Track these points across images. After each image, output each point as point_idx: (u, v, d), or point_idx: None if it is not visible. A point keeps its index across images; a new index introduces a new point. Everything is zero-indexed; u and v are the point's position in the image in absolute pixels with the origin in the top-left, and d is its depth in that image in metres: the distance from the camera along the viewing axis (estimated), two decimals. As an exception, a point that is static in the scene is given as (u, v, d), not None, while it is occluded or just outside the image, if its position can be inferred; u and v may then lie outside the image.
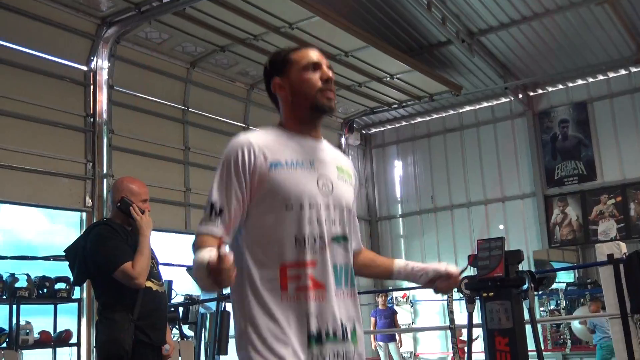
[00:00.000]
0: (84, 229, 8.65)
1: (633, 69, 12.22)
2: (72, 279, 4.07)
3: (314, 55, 2.18)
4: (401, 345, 12.06)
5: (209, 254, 1.76)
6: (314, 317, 1.97)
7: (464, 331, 8.20)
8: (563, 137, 12.85)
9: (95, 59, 9.12)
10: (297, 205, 2.01)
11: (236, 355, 2.06)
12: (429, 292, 9.94)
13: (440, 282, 2.32)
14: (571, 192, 12.69)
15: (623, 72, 12.34)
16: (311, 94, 2.12)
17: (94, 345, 4.06)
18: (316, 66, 2.15)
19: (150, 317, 3.81)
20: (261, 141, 2.07)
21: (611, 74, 12.47)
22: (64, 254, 3.99)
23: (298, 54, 2.17)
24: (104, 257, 3.63)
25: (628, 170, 12.18)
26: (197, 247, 1.93)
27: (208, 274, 1.74)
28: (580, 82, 12.79)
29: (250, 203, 2.03)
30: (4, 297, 7.31)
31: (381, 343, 11.44)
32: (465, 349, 7.08)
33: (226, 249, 1.93)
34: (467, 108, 13.96)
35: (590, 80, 12.67)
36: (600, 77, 12.56)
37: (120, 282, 3.60)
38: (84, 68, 9.11)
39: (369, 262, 2.41)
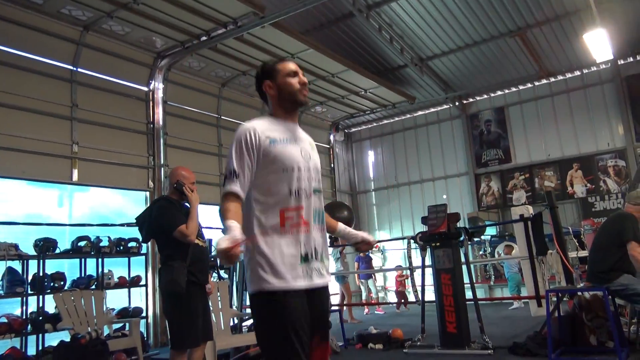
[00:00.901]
0: (149, 203, 8.69)
1: (537, 83, 12.21)
2: (141, 239, 4.10)
3: (293, 66, 2.30)
4: (376, 281, 12.13)
5: (231, 236, 1.88)
6: (303, 244, 2.10)
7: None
8: (487, 132, 12.87)
9: (153, 82, 9.08)
10: (290, 169, 2.13)
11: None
12: (395, 244, 9.96)
13: (362, 245, 2.52)
14: (493, 171, 12.73)
15: (529, 85, 12.33)
16: (293, 92, 2.25)
17: (158, 285, 4.06)
18: (295, 73, 2.27)
19: (197, 264, 3.90)
20: (261, 126, 2.17)
21: (521, 87, 12.45)
22: (135, 221, 4.03)
23: (282, 65, 2.29)
24: (166, 221, 3.75)
25: (533, 155, 12.26)
26: (224, 205, 2.06)
27: (223, 251, 1.84)
28: (499, 92, 12.76)
29: (257, 169, 2.12)
30: (92, 253, 7.31)
31: (362, 280, 11.48)
32: (417, 284, 7.14)
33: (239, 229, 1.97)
34: (420, 113, 13.89)
35: (507, 91, 12.65)
36: (513, 89, 12.54)
37: (177, 240, 3.70)
38: (145, 89, 9.07)
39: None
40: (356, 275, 11.81)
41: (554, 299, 5.35)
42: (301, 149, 2.22)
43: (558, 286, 6.64)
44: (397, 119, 14.27)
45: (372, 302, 11.00)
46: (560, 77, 11.94)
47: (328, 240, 2.30)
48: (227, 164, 2.13)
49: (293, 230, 2.08)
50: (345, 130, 14.89)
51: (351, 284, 10.41)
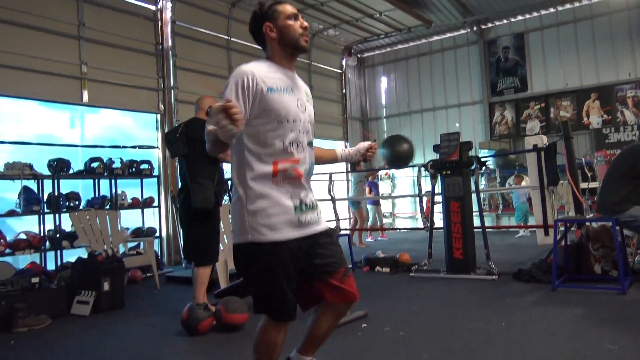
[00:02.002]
0: (159, 126, 8.68)
1: (560, 8, 11.65)
2: (170, 154, 4.24)
3: (292, 8, 2.18)
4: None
5: (220, 104, 1.74)
6: (295, 195, 2.08)
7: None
8: (505, 60, 12.47)
9: (161, 0, 8.78)
10: (285, 120, 2.04)
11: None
12: (404, 171, 9.99)
13: (367, 154, 2.51)
14: (508, 100, 12.46)
15: (552, 10, 11.77)
16: (295, 36, 2.14)
17: (184, 203, 4.15)
18: (296, 16, 2.16)
19: (219, 185, 4.16)
20: (259, 71, 2.04)
21: (543, 12, 11.90)
22: (165, 136, 4.17)
23: (282, 7, 2.16)
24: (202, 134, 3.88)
25: (551, 84, 11.93)
26: (209, 135, 1.90)
27: (224, 116, 1.72)
28: (520, 17, 12.22)
29: (251, 115, 2.01)
30: (105, 174, 7.40)
31: (370, 206, 11.53)
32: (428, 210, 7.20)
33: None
34: (435, 38, 13.42)
35: (527, 16, 12.10)
36: (535, 14, 11.98)
37: (210, 159, 3.76)
38: (153, 7, 8.79)
39: (320, 154, 2.43)
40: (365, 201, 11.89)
41: (562, 228, 5.38)
42: (297, 100, 2.13)
43: (567, 216, 6.68)
44: (411, 44, 13.83)
45: (382, 227, 11.16)
46: (585, 2, 11.36)
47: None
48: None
49: (286, 182, 2.05)
50: (358, 55, 14.50)
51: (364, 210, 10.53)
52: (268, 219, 1.99)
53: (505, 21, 12.42)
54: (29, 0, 7.08)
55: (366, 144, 2.51)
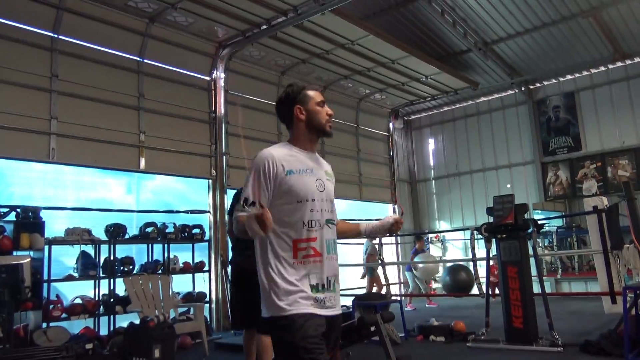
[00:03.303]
0: (211, 190, 8.91)
1: (610, 66, 11.49)
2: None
3: (321, 96, 2.30)
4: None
5: (254, 210, 1.91)
6: (314, 274, 2.12)
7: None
8: (555, 119, 12.27)
9: (215, 71, 9.25)
10: (305, 200, 2.14)
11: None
12: (455, 234, 9.80)
13: (395, 226, 2.47)
14: (562, 159, 12.14)
15: (602, 68, 11.61)
16: (322, 122, 2.26)
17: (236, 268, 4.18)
18: (324, 104, 2.29)
19: None
20: (279, 155, 2.17)
21: (593, 70, 11.75)
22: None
23: (313, 92, 2.29)
24: None
25: (606, 142, 11.57)
26: (238, 223, 2.08)
27: (255, 222, 1.89)
28: (569, 77, 12.10)
29: (272, 197, 2.13)
30: (158, 238, 7.57)
31: (408, 273, 11.05)
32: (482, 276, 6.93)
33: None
34: (482, 99, 13.42)
35: (577, 75, 11.96)
36: (585, 73, 11.84)
37: None
38: (208, 78, 9.25)
39: (344, 228, 2.47)
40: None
41: (631, 295, 5.04)
42: (316, 180, 2.22)
43: (636, 282, 6.27)
44: (458, 105, 13.87)
45: (432, 292, 10.81)
46: (637, 60, 11.17)
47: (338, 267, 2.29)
48: (245, 190, 2.14)
49: (305, 261, 2.11)
50: (405, 118, 14.64)
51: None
52: (288, 296, 2.06)
53: (554, 80, 12.32)
54: (96, 75, 7.61)
55: (391, 218, 2.48)
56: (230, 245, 4.38)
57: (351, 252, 10.27)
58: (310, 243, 2.12)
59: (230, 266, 4.28)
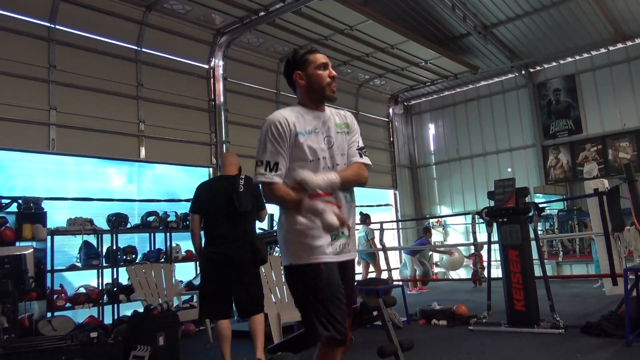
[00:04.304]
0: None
1: (611, 48, 11.40)
2: (237, 206, 4.11)
3: (323, 58, 2.33)
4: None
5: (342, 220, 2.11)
6: None
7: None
8: (556, 102, 12.21)
9: (213, 59, 9.21)
10: (315, 158, 2.25)
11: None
12: (456, 219, 9.81)
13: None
14: (562, 142, 12.10)
15: (603, 50, 11.53)
16: (322, 85, 2.30)
17: (256, 257, 4.22)
18: (325, 66, 2.31)
19: None
20: (289, 116, 2.25)
21: (594, 52, 11.67)
22: (228, 186, 4.19)
23: (313, 56, 2.32)
24: (262, 199, 4.15)
25: (607, 124, 11.52)
26: (277, 192, 2.22)
27: (340, 225, 2.10)
28: (569, 59, 12.02)
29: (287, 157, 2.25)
30: (160, 227, 7.59)
31: (408, 256, 11.00)
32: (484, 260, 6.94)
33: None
34: (483, 83, 13.35)
35: (577, 57, 11.88)
36: (585, 55, 11.76)
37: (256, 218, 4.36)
38: (206, 66, 9.21)
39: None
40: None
41: (632, 277, 5.05)
42: (325, 137, 2.30)
43: (637, 264, 6.28)
44: (458, 90, 13.81)
45: (434, 278, 10.85)
46: (638, 41, 11.08)
47: (356, 216, 2.48)
48: (262, 154, 2.23)
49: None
50: (405, 103, 14.58)
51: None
52: (307, 244, 2.20)
53: (554, 63, 12.24)
54: (94, 65, 7.57)
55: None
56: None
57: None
58: (327, 198, 2.20)
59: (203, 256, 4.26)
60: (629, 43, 11.18)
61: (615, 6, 10.20)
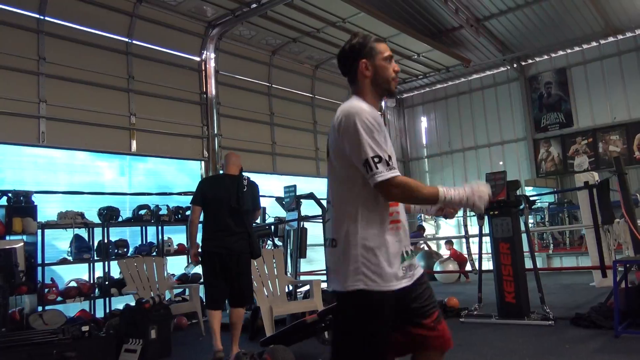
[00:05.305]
0: (204, 172, 8.86)
1: (602, 42, 11.45)
2: (233, 203, 4.42)
3: (389, 50, 2.08)
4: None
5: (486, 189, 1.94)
6: (402, 242, 1.98)
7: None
8: (547, 95, 12.27)
9: (205, 52, 9.14)
10: (395, 162, 1.96)
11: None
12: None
13: (447, 210, 2.21)
14: (554, 136, 12.18)
15: (594, 44, 11.58)
16: (388, 79, 2.05)
17: (250, 250, 4.53)
18: (391, 59, 2.08)
19: None
20: (372, 110, 1.95)
21: (585, 46, 11.72)
22: (224, 185, 4.54)
23: (381, 46, 2.06)
24: (259, 199, 4.72)
25: (597, 118, 11.61)
26: (414, 187, 1.88)
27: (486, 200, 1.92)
28: (561, 53, 12.08)
29: None
30: (152, 221, 7.55)
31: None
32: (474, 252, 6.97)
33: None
34: (475, 76, 13.38)
35: (569, 51, 11.94)
36: (577, 48, 11.81)
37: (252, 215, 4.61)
38: (198, 59, 9.14)
39: None
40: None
41: (621, 269, 5.10)
42: (392, 141, 2.04)
43: (626, 256, 6.34)
44: (450, 83, 13.83)
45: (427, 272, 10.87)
46: (629, 34, 11.14)
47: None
48: (371, 149, 1.85)
49: (394, 227, 1.94)
50: (397, 96, 14.58)
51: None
52: (381, 266, 1.87)
53: (546, 57, 12.29)
54: (84, 57, 7.49)
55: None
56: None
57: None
58: (397, 207, 1.99)
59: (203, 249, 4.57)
60: (620, 37, 11.24)
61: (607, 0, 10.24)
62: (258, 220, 7.43)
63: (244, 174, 4.70)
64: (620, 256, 6.53)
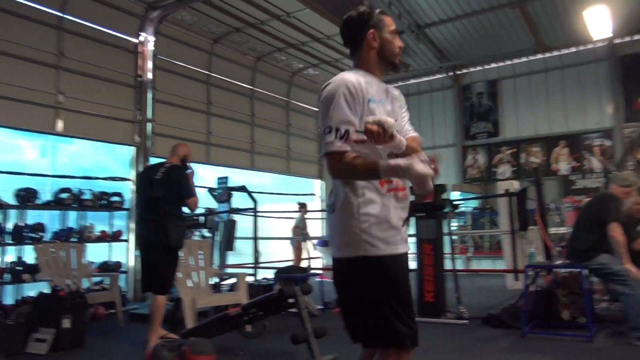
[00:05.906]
0: (135, 158, 8.54)
1: (531, 58, 12.07)
2: (148, 193, 4.42)
3: (394, 24, 2.09)
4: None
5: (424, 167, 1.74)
6: (402, 207, 1.97)
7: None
8: (478, 105, 12.80)
9: (143, 34, 8.79)
10: None
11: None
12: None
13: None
14: (481, 144, 12.72)
15: (524, 59, 12.19)
16: (393, 53, 2.07)
17: (161, 239, 4.36)
18: (398, 33, 2.09)
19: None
20: (359, 81, 1.93)
21: (516, 60, 12.32)
22: (142, 174, 4.81)
23: (388, 19, 2.07)
24: (188, 188, 4.45)
25: (522, 130, 12.23)
26: (349, 161, 1.83)
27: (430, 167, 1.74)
28: (493, 65, 12.62)
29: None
30: (74, 205, 7.22)
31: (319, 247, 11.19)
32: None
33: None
34: (412, 81, 13.70)
35: (501, 64, 12.51)
36: (508, 62, 12.40)
37: (182, 203, 4.44)
38: (135, 40, 8.77)
39: None
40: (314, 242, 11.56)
41: (531, 273, 5.40)
42: (391, 109, 2.04)
43: (537, 262, 6.72)
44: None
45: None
46: (555, 53, 11.80)
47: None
48: (329, 120, 1.86)
49: (392, 193, 1.92)
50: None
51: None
52: (382, 230, 1.86)
53: (479, 68, 12.80)
54: (8, 27, 7.01)
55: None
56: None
57: (279, 226, 10.33)
58: (391, 186, 1.94)
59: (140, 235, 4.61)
60: (548, 55, 11.88)
61: (539, 18, 10.77)
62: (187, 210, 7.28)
63: (173, 164, 4.62)
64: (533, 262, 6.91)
